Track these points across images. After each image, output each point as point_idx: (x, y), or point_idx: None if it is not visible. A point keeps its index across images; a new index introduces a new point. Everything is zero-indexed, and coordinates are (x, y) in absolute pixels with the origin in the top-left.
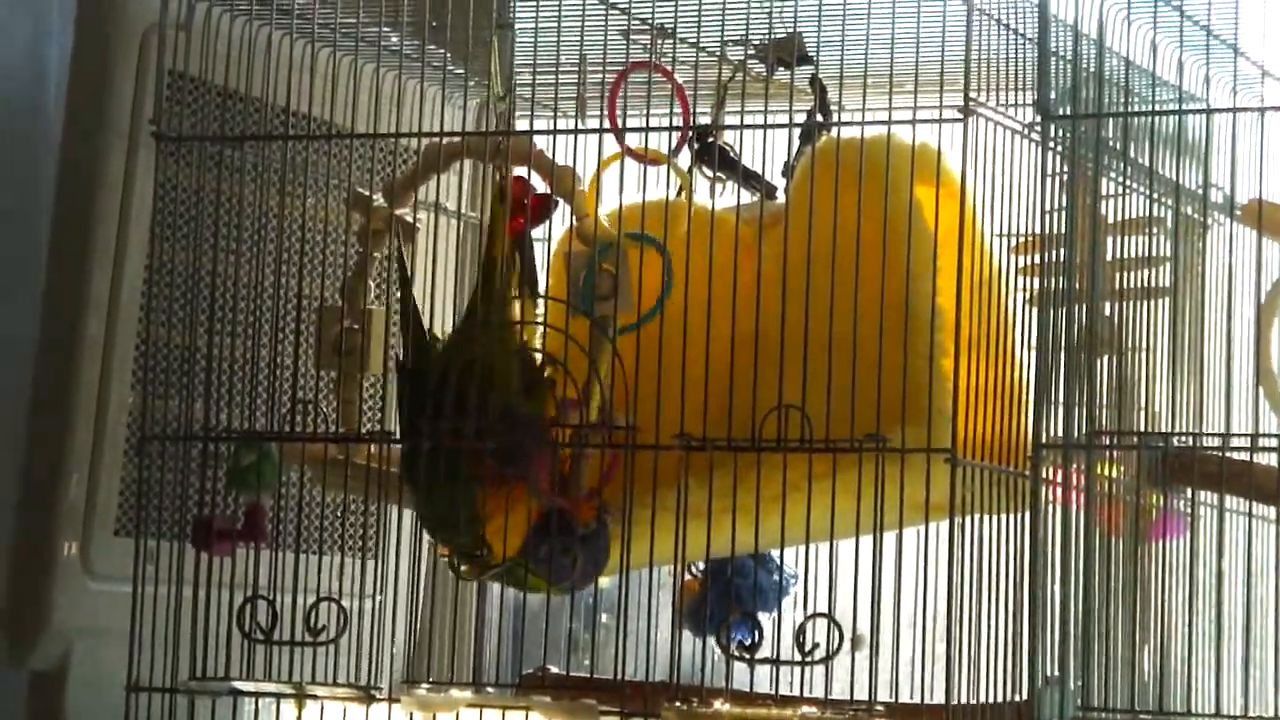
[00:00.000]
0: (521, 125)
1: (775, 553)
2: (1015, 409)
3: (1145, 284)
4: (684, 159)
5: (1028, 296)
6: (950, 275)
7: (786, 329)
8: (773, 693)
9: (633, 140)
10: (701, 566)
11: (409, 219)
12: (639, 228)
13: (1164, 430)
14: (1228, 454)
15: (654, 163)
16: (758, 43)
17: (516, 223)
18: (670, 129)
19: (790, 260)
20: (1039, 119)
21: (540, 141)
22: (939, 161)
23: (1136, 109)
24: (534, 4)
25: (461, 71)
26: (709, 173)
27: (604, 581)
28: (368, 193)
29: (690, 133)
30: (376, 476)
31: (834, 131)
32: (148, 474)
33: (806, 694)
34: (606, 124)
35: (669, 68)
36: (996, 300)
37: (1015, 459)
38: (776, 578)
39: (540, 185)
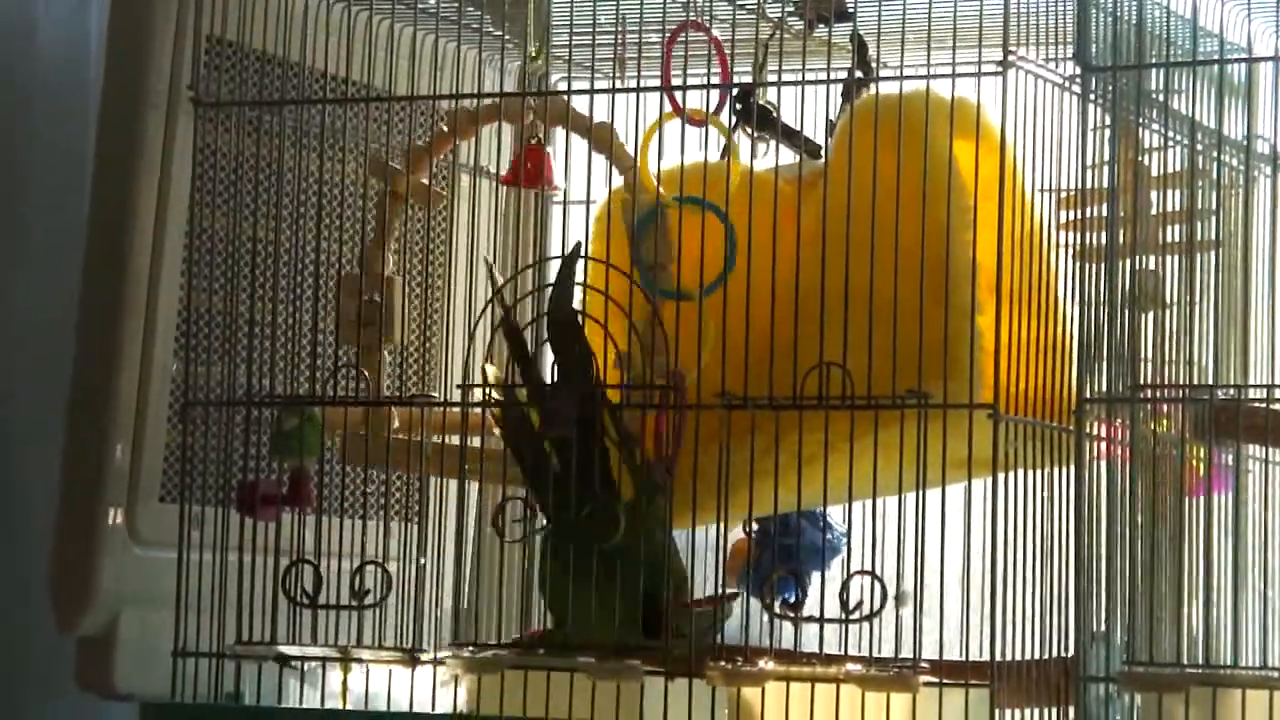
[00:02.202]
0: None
1: (826, 511)
2: (1059, 363)
3: (1189, 237)
4: (723, 118)
5: (1072, 251)
6: (992, 230)
7: (827, 287)
8: (817, 651)
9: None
10: (754, 526)
11: (436, 186)
12: (684, 190)
13: (1208, 383)
14: (1273, 405)
15: (703, 124)
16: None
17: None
18: (707, 86)
19: (830, 218)
20: (1080, 72)
21: (578, 101)
22: (978, 115)
23: (1178, 60)
24: None
25: (500, 33)
26: (750, 132)
27: None
28: (387, 159)
29: (730, 92)
30: (405, 446)
31: (873, 89)
32: (191, 440)
33: (852, 653)
34: (645, 83)
35: (707, 25)
36: (1039, 254)
37: (1059, 414)
38: (829, 536)
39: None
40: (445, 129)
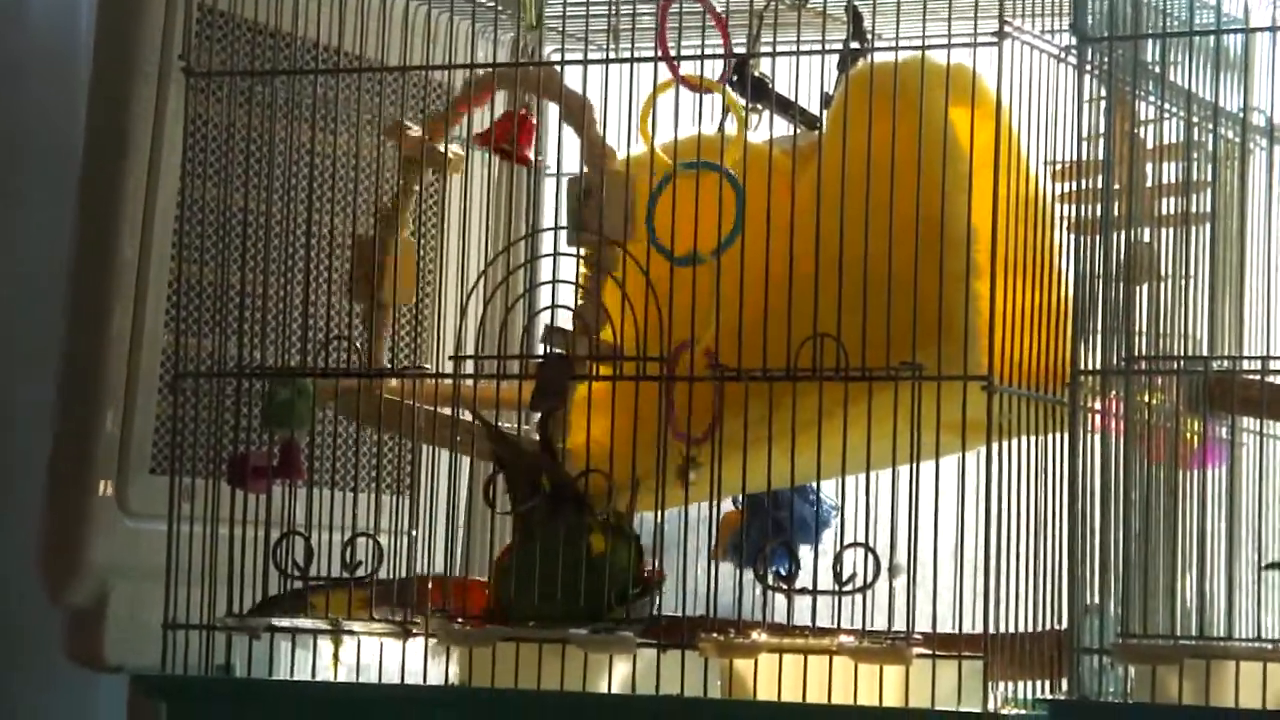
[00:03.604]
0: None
1: (818, 484)
2: (1055, 333)
3: (1184, 209)
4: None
5: (1067, 223)
6: (988, 197)
7: (822, 257)
8: (810, 624)
9: (663, 70)
10: (740, 500)
11: (448, 151)
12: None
13: (1203, 355)
14: (1268, 377)
15: (707, 91)
16: None
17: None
18: (702, 57)
19: (826, 188)
20: (1075, 42)
21: (572, 72)
22: (974, 81)
23: (1174, 30)
24: None
25: (493, 5)
26: (744, 102)
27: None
28: (405, 122)
29: (728, 61)
30: (407, 410)
31: (869, 59)
32: (182, 412)
33: (845, 625)
34: (640, 54)
35: None
36: (1037, 221)
37: (1057, 384)
38: (819, 509)
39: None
40: (461, 95)
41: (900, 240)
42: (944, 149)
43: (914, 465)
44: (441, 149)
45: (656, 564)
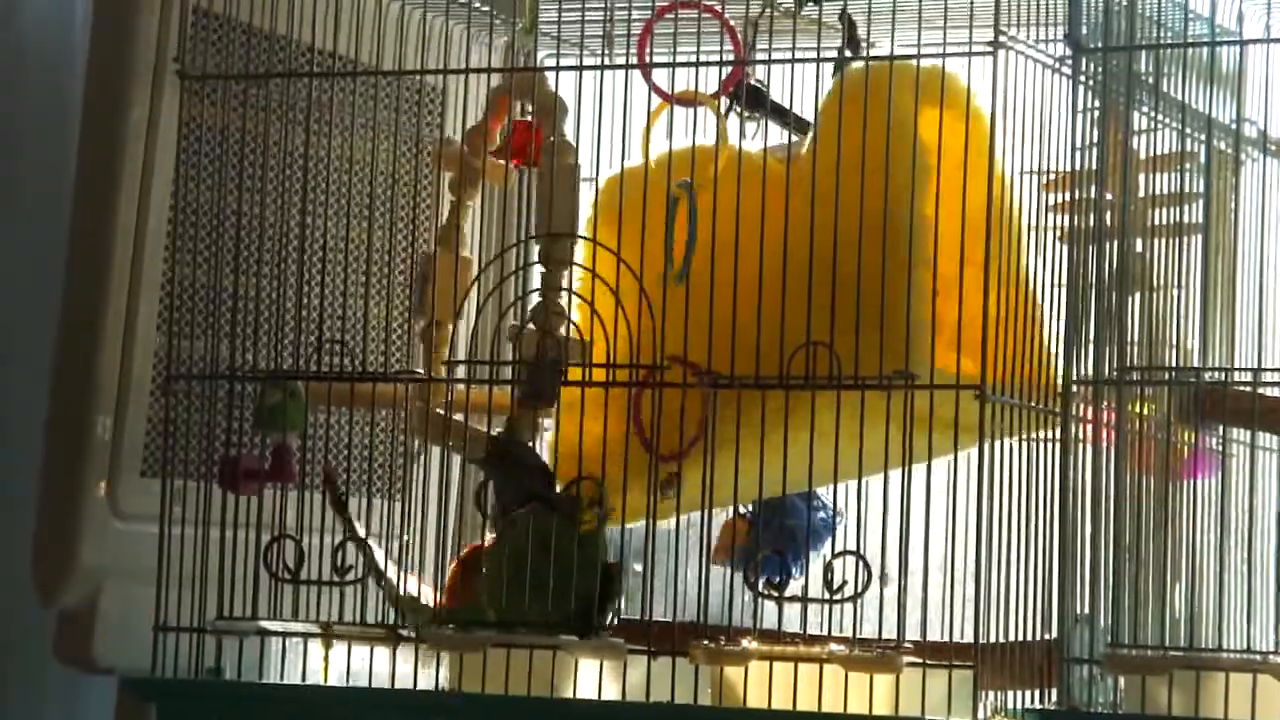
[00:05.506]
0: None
1: (819, 491)
2: (1037, 341)
3: (1177, 220)
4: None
5: (1059, 233)
6: (972, 203)
7: (803, 264)
8: (800, 632)
9: (662, 75)
10: (748, 509)
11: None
12: (673, 173)
13: (1195, 366)
14: (1259, 389)
15: (688, 103)
16: None
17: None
18: (697, 64)
19: (817, 195)
20: (1070, 53)
21: (566, 78)
22: (942, 83)
23: (1168, 41)
24: None
25: (488, 9)
26: (740, 111)
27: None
28: (463, 145)
29: (723, 69)
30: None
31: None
32: (174, 414)
33: (835, 633)
34: (634, 60)
35: (706, 4)
36: (1011, 229)
37: (1045, 394)
38: (822, 515)
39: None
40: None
41: (869, 245)
42: (914, 152)
43: (905, 473)
44: (478, 163)
45: (648, 571)
